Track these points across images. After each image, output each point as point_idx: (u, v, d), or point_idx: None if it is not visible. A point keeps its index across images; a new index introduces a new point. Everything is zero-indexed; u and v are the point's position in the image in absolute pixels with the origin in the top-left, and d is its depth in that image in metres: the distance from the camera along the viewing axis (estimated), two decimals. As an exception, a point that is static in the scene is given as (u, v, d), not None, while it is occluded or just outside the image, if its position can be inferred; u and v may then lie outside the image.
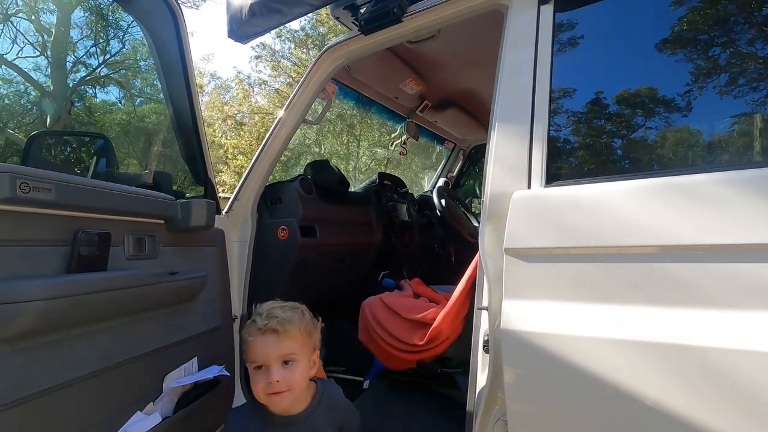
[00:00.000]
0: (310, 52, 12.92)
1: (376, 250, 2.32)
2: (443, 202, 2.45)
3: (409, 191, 2.76)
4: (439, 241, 2.80)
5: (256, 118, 13.41)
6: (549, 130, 1.06)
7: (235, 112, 13.81)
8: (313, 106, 1.80)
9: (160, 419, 1.16)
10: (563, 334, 0.90)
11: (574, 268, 0.94)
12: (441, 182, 2.63)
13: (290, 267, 1.79)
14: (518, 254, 1.00)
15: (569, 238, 0.94)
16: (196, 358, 1.37)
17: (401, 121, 2.59)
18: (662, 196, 0.86)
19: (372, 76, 2.10)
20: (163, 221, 1.26)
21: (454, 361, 1.49)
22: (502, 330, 0.97)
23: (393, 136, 2.58)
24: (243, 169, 12.24)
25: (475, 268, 1.28)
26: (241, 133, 13.34)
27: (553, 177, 1.03)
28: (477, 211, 3.14)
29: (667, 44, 1.03)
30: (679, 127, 1.02)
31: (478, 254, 1.20)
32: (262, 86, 14.13)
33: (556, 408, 0.95)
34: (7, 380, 0.81)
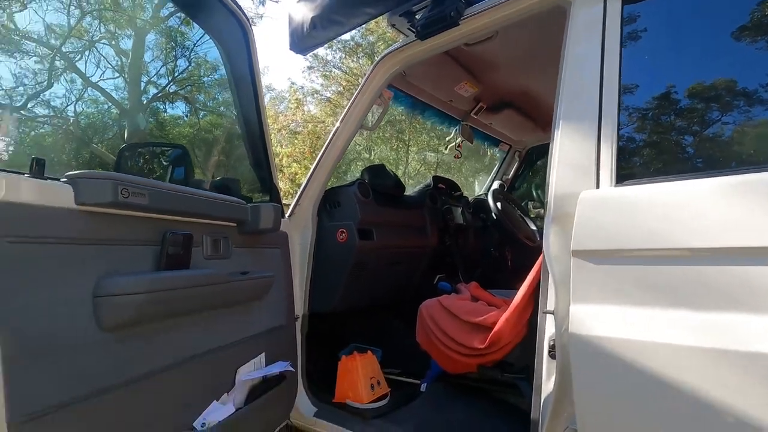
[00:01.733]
0: (360, 60, 13.21)
1: (430, 254, 2.32)
2: (499, 205, 2.41)
3: (464, 194, 2.74)
4: (495, 244, 2.75)
5: (309, 126, 13.88)
6: (618, 127, 1.01)
7: (289, 121, 14.39)
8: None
9: (234, 410, 1.24)
10: (638, 340, 0.86)
11: (648, 270, 0.89)
12: (496, 185, 2.58)
13: (348, 269, 1.84)
14: (587, 256, 0.96)
15: (642, 239, 0.90)
16: (264, 353, 1.44)
17: (455, 125, 2.58)
18: (742, 194, 0.80)
19: (427, 80, 2.11)
20: (235, 224, 1.35)
21: (517, 366, 1.46)
22: (571, 334, 0.94)
23: (447, 139, 2.57)
24: (297, 176, 12.73)
25: (538, 271, 1.25)
26: (295, 141, 13.87)
27: (623, 176, 0.99)
28: (534, 215, 3.05)
29: (745, 32, 0.96)
30: (760, 121, 0.94)
31: (541, 257, 1.17)
32: (314, 95, 14.64)
33: (631, 417, 0.90)
34: (108, 365, 0.90)
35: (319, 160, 1.79)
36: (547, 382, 1.08)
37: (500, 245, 2.76)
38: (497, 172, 3.19)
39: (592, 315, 0.93)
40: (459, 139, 2.52)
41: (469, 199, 2.84)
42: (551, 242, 1.05)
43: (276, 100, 16.40)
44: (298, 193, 1.84)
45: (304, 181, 1.83)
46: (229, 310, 1.30)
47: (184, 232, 1.10)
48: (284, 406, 1.60)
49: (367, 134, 11.68)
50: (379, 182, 2.06)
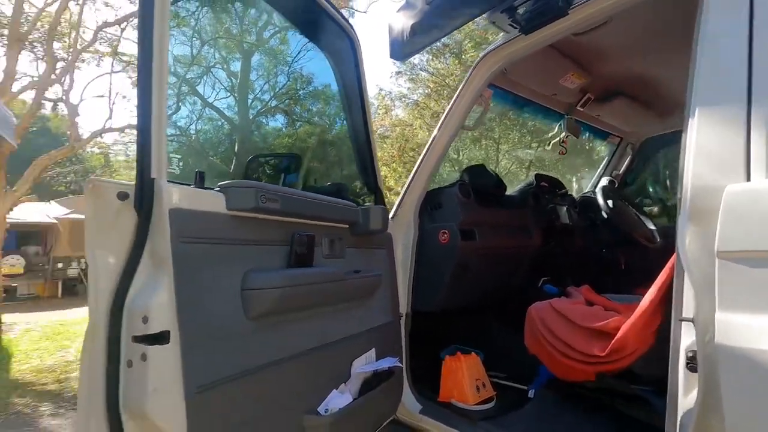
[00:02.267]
0: (447, 61, 13.10)
1: (534, 255, 2.23)
2: (610, 202, 2.22)
3: (569, 192, 2.58)
4: (606, 245, 2.54)
5: (397, 130, 14.14)
6: (775, 111, 0.88)
7: (378, 126, 14.83)
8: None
9: (351, 399, 1.33)
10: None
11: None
12: (605, 181, 2.38)
13: (451, 269, 1.86)
14: (737, 258, 0.85)
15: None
16: (374, 348, 1.52)
17: (558, 120, 2.44)
18: None
19: (530, 75, 2.04)
20: (347, 225, 1.45)
21: (645, 377, 1.34)
22: (719, 345, 0.84)
23: (550, 135, 2.44)
24: (386, 179, 13.04)
25: (669, 274, 1.14)
26: (384, 145, 14.24)
27: (782, 167, 0.86)
28: (651, 213, 2.76)
29: None
30: None
31: (672, 258, 1.06)
32: (402, 99, 14.87)
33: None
34: (252, 350, 1.03)
35: (420, 162, 1.83)
36: (685, 397, 0.97)
37: (611, 246, 2.54)
38: (605, 167, 2.94)
39: (745, 324, 0.82)
40: (564, 134, 2.38)
41: (575, 197, 2.67)
42: (688, 242, 0.95)
43: (365, 106, 16.99)
44: (400, 195, 1.90)
45: (405, 183, 1.89)
46: (345, 305, 1.40)
47: (308, 233, 1.21)
48: (392, 401, 1.67)
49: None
50: (480, 182, 2.04)
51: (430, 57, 13.71)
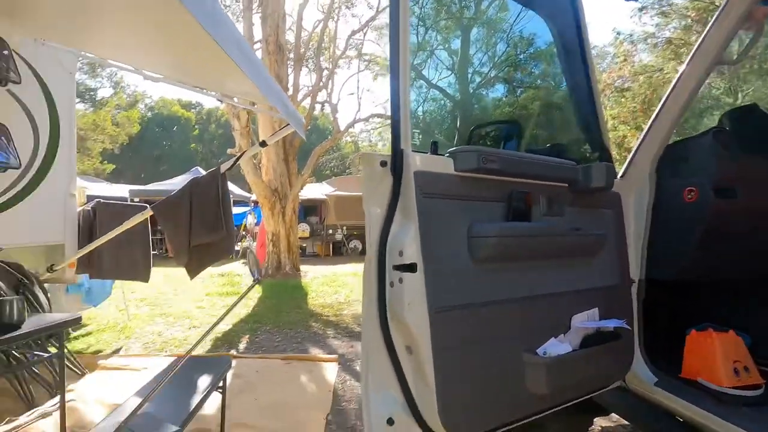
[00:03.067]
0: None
1: None
2: None
3: None
4: None
5: (641, 79, 11.85)
6: None
7: (615, 78, 12.75)
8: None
9: (570, 349, 1.38)
10: None
11: None
12: None
13: (699, 234, 1.60)
14: None
15: None
16: (597, 309, 1.51)
17: None
18: None
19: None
20: (567, 184, 1.47)
21: None
22: None
23: None
24: (626, 139, 11.21)
25: None
26: (622, 100, 12.20)
27: None
28: None
29: None
30: None
31: None
32: (648, 41, 12.30)
33: None
34: (476, 289, 1.23)
35: (659, 111, 1.62)
36: None
37: None
38: None
39: None
40: None
41: None
42: None
43: (596, 58, 14.86)
44: (632, 150, 1.73)
45: (639, 137, 1.71)
46: (564, 261, 1.44)
47: (524, 191, 1.31)
48: (620, 366, 1.61)
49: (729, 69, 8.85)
50: (749, 129, 1.64)
51: (690, -22, 10.79)
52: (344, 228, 12.30)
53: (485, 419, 1.24)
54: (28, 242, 2.74)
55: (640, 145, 1.69)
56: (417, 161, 1.16)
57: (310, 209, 13.01)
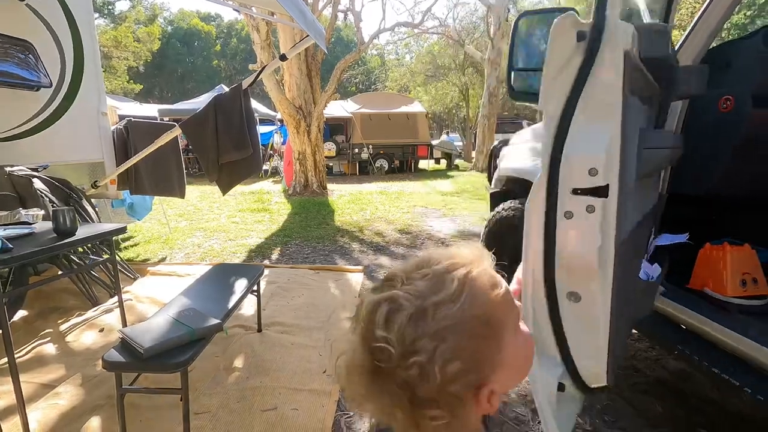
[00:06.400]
0: None
1: None
2: None
3: None
4: None
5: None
6: None
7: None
8: None
9: (660, 270, 1.45)
10: None
11: None
12: None
13: (731, 146, 1.53)
14: None
15: None
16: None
17: None
18: None
19: None
20: None
21: None
22: None
23: None
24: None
25: None
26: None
27: None
28: None
29: None
30: None
31: None
32: None
33: None
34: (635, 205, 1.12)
35: (703, 11, 1.46)
36: None
37: None
38: None
39: None
40: None
41: None
42: None
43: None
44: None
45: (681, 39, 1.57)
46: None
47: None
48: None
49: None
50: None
51: None
52: (370, 147, 12.21)
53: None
54: (69, 159, 2.91)
55: (680, 47, 1.56)
56: (629, 37, 0.85)
57: (336, 128, 12.86)
